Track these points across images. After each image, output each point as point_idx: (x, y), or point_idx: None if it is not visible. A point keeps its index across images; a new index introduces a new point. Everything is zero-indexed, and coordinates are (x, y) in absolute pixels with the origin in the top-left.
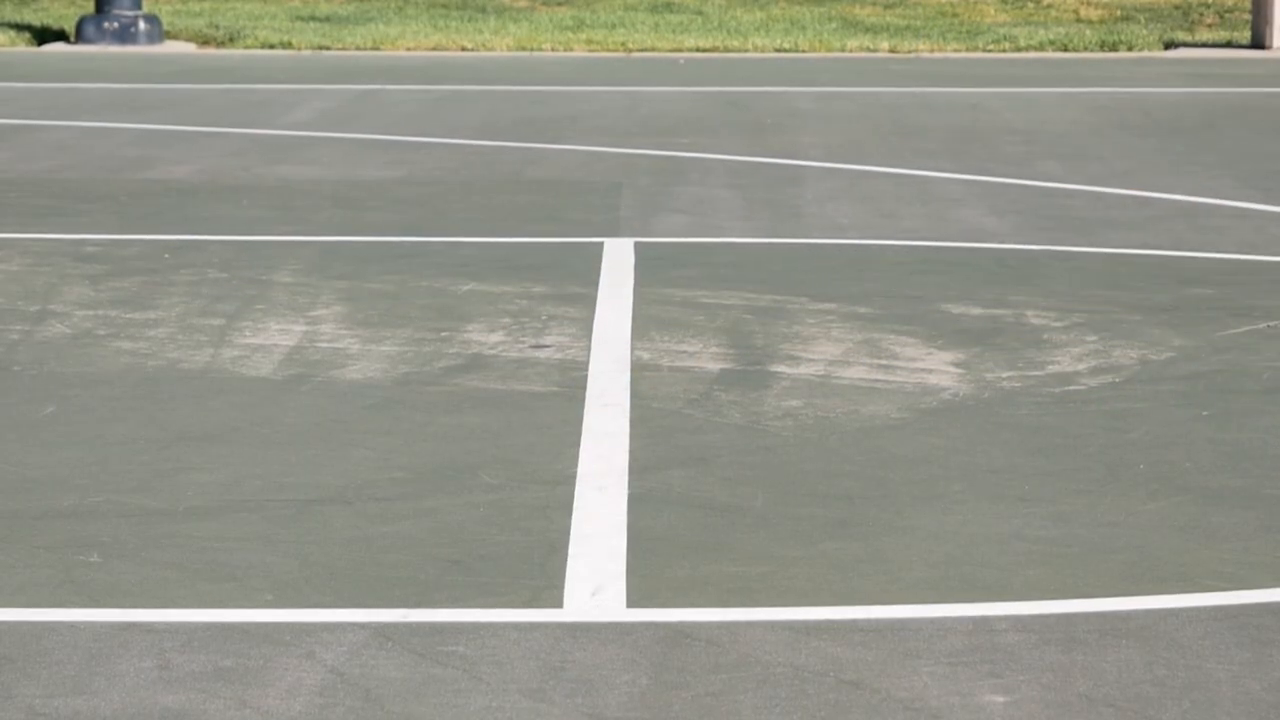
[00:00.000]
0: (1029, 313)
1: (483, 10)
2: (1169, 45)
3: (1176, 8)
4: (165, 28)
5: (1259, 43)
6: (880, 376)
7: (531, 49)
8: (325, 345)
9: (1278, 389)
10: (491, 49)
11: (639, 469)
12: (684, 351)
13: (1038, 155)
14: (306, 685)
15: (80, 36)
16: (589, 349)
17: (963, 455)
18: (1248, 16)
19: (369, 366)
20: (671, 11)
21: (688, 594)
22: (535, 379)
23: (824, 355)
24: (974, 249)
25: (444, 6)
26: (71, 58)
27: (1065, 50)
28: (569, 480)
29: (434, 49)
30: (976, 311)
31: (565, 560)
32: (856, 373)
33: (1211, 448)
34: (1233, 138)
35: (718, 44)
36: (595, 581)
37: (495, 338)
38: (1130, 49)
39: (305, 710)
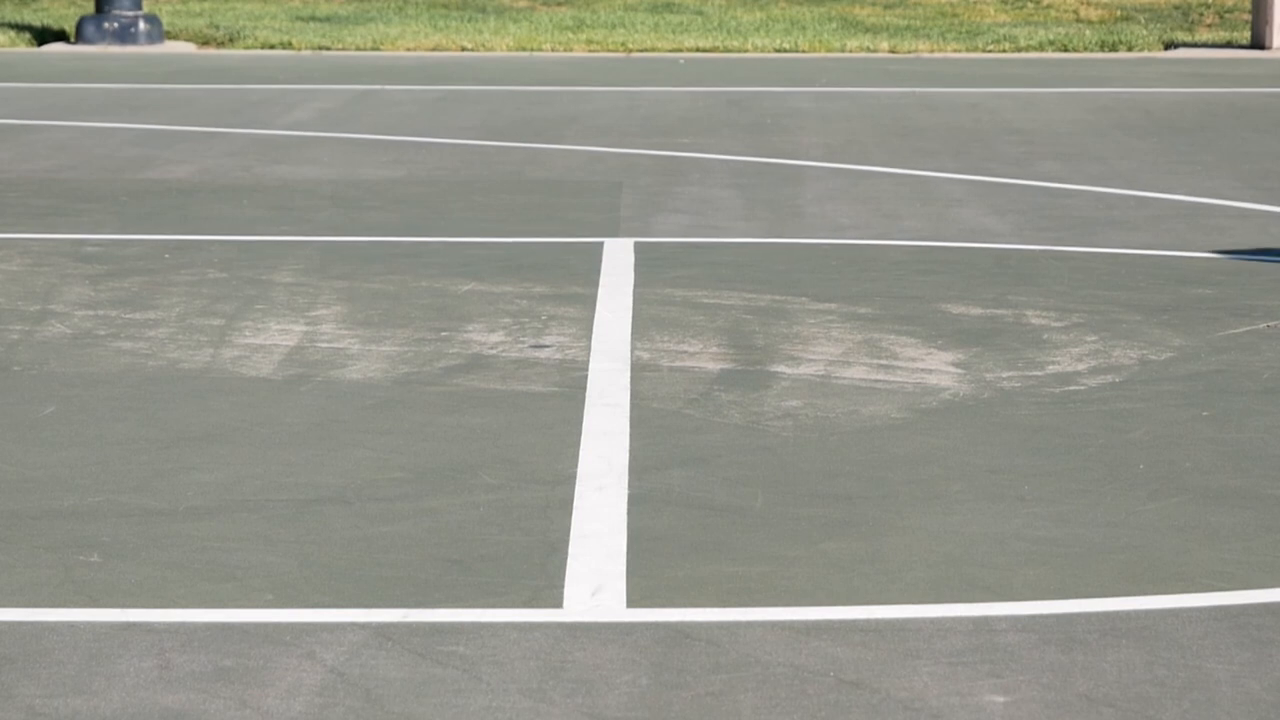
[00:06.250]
0: (1029, 313)
1: (483, 10)
2: (1169, 45)
3: (1176, 8)
4: (165, 28)
5: (1259, 43)
6: (880, 376)
7: (531, 49)
8: (325, 345)
9: (1278, 389)
10: (491, 49)
11: (639, 469)
12: (684, 351)
13: (1038, 155)
14: (306, 685)
15: (80, 36)
16: (589, 349)
17: (963, 455)
18: (1248, 16)
19: (369, 366)
20: (671, 11)
21: (688, 594)
22: (535, 379)
23: (824, 355)
24: (974, 249)
25: (444, 6)
26: (71, 58)
27: (1065, 50)
28: (569, 480)
29: (434, 49)
30: (976, 311)
31: (565, 560)
32: (856, 373)
33: (1211, 448)
34: (1233, 138)
35: (718, 44)
36: (595, 581)
37: (495, 338)
38: (1130, 49)
39: (305, 710)
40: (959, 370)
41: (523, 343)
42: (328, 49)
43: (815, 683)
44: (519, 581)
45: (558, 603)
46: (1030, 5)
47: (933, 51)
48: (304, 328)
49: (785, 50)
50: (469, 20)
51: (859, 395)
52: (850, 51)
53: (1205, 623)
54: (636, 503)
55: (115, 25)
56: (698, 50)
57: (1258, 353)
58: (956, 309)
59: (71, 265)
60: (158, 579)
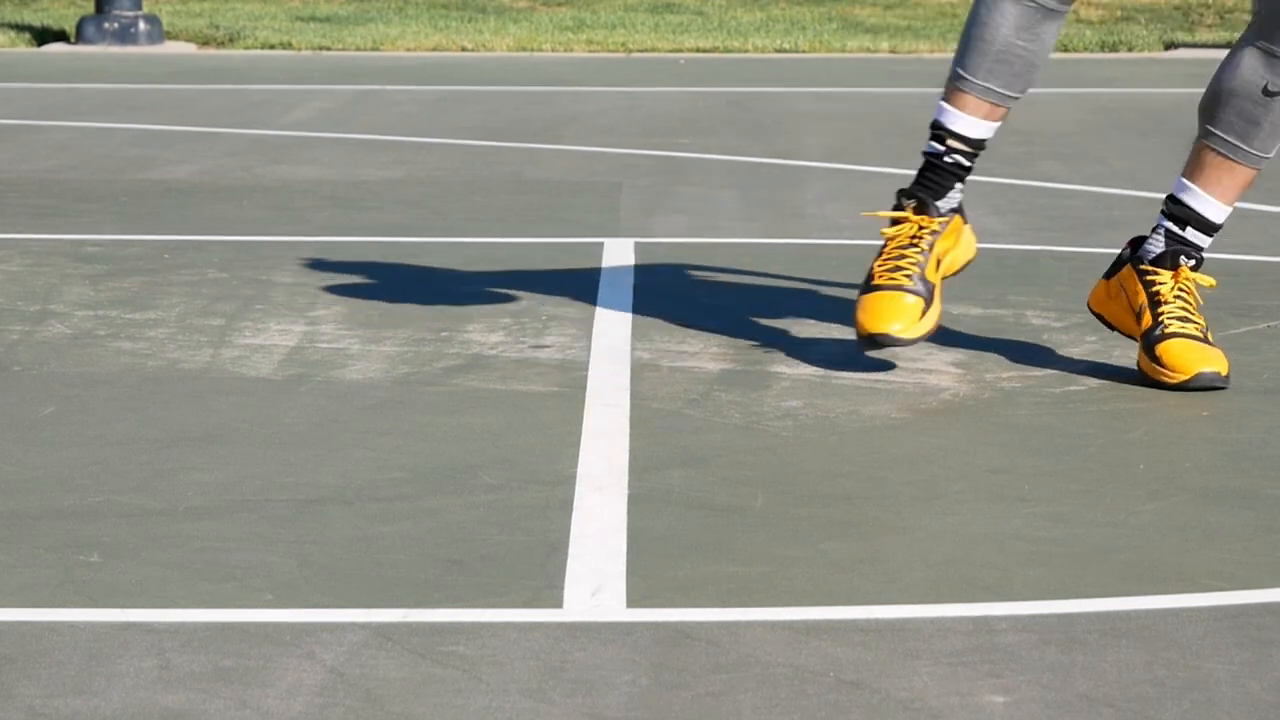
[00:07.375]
0: (1029, 313)
1: (483, 10)
2: (1169, 45)
3: (1176, 8)
4: (165, 28)
5: None
6: (880, 376)
7: (531, 49)
8: (325, 345)
9: (1278, 389)
10: (491, 49)
11: (639, 469)
12: (684, 351)
13: (1038, 155)
14: (306, 685)
15: (80, 36)
16: (589, 349)
17: (963, 455)
18: (1248, 17)
19: (369, 366)
20: (671, 11)
21: (688, 594)
22: (535, 379)
23: (824, 355)
24: None
25: (444, 6)
26: (71, 58)
27: (1065, 50)
28: (569, 480)
29: (434, 49)
30: (976, 312)
31: (565, 560)
32: (856, 373)
33: (1211, 448)
34: None
35: (718, 44)
36: (595, 581)
37: (495, 338)
38: (1130, 49)
39: (305, 710)
40: (959, 370)
41: (523, 343)
42: (328, 49)
43: (815, 683)
44: (519, 581)
45: (558, 603)
46: None
47: (933, 51)
48: (304, 328)
49: (785, 50)
50: (469, 20)
51: (859, 395)
52: (850, 51)
53: (1205, 623)
54: (636, 503)
55: (115, 25)
56: (698, 50)
57: (1258, 353)
58: (956, 309)
59: (71, 265)
60: (158, 579)
